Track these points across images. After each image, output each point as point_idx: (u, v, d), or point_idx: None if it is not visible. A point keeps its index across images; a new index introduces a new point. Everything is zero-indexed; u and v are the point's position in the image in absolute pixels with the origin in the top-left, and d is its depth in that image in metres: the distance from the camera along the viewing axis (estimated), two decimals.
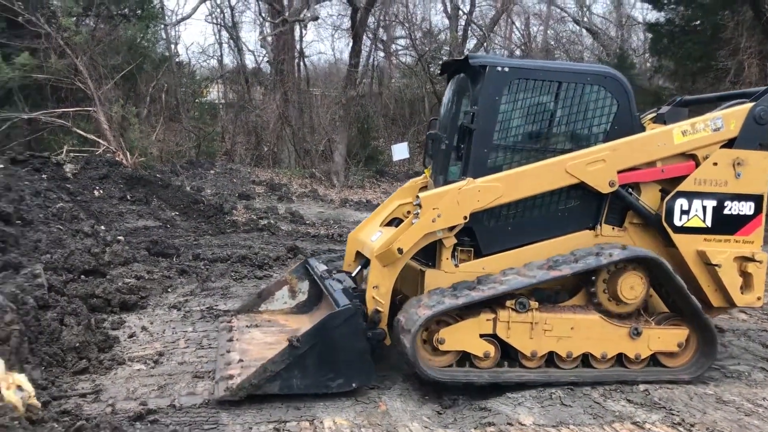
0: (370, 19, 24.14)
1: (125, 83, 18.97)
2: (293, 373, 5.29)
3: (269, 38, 24.68)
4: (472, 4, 28.50)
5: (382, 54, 29.59)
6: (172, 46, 24.79)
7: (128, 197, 13.86)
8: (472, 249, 6.18)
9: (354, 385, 5.47)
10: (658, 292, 6.34)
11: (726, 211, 6.22)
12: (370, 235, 6.73)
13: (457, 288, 5.84)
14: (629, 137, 6.13)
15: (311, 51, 42.95)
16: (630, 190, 6.18)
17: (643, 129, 6.39)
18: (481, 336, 5.82)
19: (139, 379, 5.71)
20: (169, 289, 8.59)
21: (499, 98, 6.08)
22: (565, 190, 6.16)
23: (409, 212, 6.80)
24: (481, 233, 6.15)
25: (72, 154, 15.17)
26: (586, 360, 6.05)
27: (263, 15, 24.09)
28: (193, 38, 63.78)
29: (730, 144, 6.21)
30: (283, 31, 22.02)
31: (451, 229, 5.91)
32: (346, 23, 26.61)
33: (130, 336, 6.75)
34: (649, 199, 6.25)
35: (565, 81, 6.18)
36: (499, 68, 6.10)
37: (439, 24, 30.92)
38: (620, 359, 6.08)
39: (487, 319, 5.81)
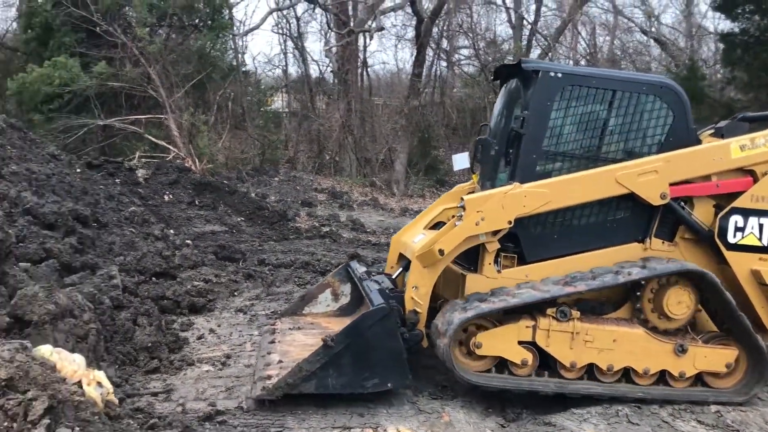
0: (434, 29, 24.22)
1: (194, 91, 19.53)
2: (328, 372, 5.27)
3: (333, 49, 25.03)
4: (537, 14, 28.27)
5: (444, 64, 29.61)
6: (240, 56, 25.44)
7: (196, 202, 14.25)
8: (516, 255, 6.05)
9: (389, 385, 5.44)
10: (707, 310, 6.11)
11: None
12: (413, 237, 6.70)
13: (495, 293, 5.75)
14: (684, 150, 5.93)
15: (374, 61, 43.27)
16: (682, 203, 5.97)
17: (699, 142, 6.16)
18: (520, 343, 5.70)
19: (208, 380, 5.86)
20: (235, 293, 8.79)
21: (550, 104, 5.98)
22: (615, 201, 5.99)
23: (453, 216, 6.66)
24: (526, 240, 6.01)
25: (144, 160, 15.72)
26: (627, 374, 5.85)
27: (330, 26, 24.42)
28: (260, 48, 65.21)
29: None
30: (348, 42, 22.28)
31: (495, 233, 5.78)
32: (410, 33, 26.78)
33: (199, 338, 6.93)
34: (702, 214, 6.01)
35: (619, 90, 6.04)
36: (552, 74, 6.01)
37: (502, 34, 30.68)
38: (663, 376, 5.85)
39: (527, 326, 5.69)
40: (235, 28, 23.97)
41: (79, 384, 3.99)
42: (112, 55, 17.02)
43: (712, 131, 6.56)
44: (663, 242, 6.09)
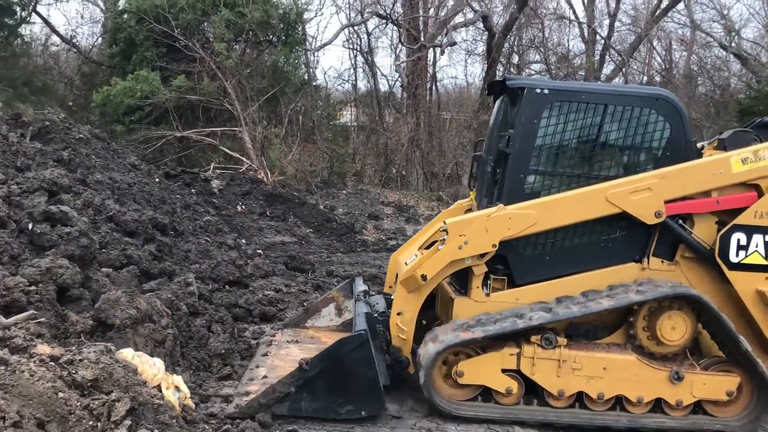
0: (505, 44, 24.11)
1: (267, 105, 20.00)
2: (302, 395, 5.21)
3: (403, 64, 25.21)
4: (611, 29, 27.73)
5: None
6: (311, 71, 25.89)
7: (267, 213, 14.56)
8: (506, 278, 5.84)
9: (363, 413, 5.31)
10: (711, 334, 5.75)
11: None
12: (408, 257, 6.49)
13: (477, 321, 5.53)
14: (680, 165, 5.61)
15: (443, 75, 43.35)
16: (680, 221, 5.65)
17: (699, 155, 5.84)
18: (504, 371, 5.49)
19: None
20: (304, 303, 8.91)
21: (537, 121, 5.76)
22: (609, 220, 5.70)
23: (438, 241, 6.48)
24: (515, 262, 5.79)
25: (218, 171, 16.19)
26: (620, 403, 5.57)
27: (401, 40, 24.62)
28: (331, 63, 66.16)
29: None
30: (419, 56, 22.42)
31: (481, 256, 5.61)
32: (480, 48, 26.70)
33: None
34: (703, 231, 5.67)
35: (611, 103, 5.78)
36: (538, 90, 5.79)
37: (575, 49, 30.21)
38: (660, 405, 5.56)
39: (511, 354, 5.48)
40: (308, 44, 24.44)
41: (159, 387, 4.13)
42: (191, 69, 17.63)
43: (716, 143, 6.21)
44: (663, 262, 5.78)
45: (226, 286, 8.53)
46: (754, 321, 5.63)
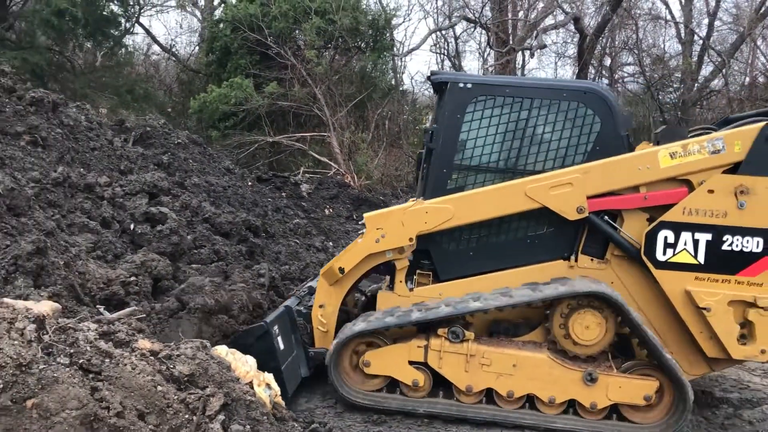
0: (597, 46, 23.46)
1: (355, 110, 20.26)
2: None
3: (491, 67, 24.96)
4: (710, 28, 26.50)
5: (606, 81, 28.56)
6: (398, 76, 26.05)
7: (354, 217, 14.73)
8: (431, 273, 5.72)
9: None
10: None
11: (725, 247, 5.20)
12: None
13: (386, 312, 5.50)
14: (604, 160, 5.34)
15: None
16: (606, 217, 5.37)
17: (631, 150, 5.55)
18: (412, 363, 5.37)
19: None
20: None
21: (461, 116, 5.64)
22: (535, 216, 5.50)
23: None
24: (439, 257, 5.69)
25: (307, 175, 16.53)
26: (532, 402, 5.32)
27: (489, 44, 24.42)
28: (417, 68, 66.32)
29: (733, 170, 5.19)
30: (508, 60, 22.17)
31: (401, 250, 5.52)
32: (571, 50, 26.11)
33: None
34: (633, 229, 5.39)
35: (537, 97, 5.62)
36: (461, 84, 5.67)
37: (670, 50, 29.06)
38: (575, 407, 5.29)
39: (419, 346, 5.38)
40: (395, 49, 24.60)
41: (251, 384, 4.24)
42: (282, 76, 18.08)
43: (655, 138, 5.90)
44: (592, 260, 5.55)
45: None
46: (683, 323, 5.33)
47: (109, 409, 3.28)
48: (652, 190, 5.39)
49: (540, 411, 5.37)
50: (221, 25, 19.67)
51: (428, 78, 6.12)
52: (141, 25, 24.55)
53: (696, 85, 23.92)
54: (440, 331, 5.40)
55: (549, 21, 23.71)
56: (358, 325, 5.50)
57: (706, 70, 26.08)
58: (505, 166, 5.73)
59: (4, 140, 6.95)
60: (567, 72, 31.45)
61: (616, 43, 27.05)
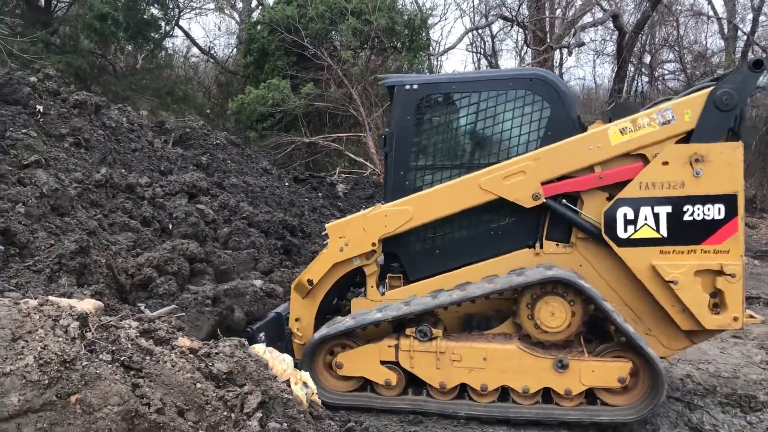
0: (636, 43, 23.09)
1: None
2: None
3: (529, 66, 24.75)
4: (755, 23, 25.86)
5: (646, 79, 28.10)
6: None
7: None
8: (401, 275, 5.68)
9: None
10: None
11: (686, 217, 5.07)
12: None
13: (353, 314, 5.49)
14: (554, 144, 5.25)
15: (570, 77, 42.21)
16: (565, 201, 5.28)
17: (584, 131, 5.42)
18: (383, 363, 5.34)
19: None
20: None
21: (410, 118, 5.60)
22: (494, 207, 5.44)
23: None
24: (406, 258, 5.67)
25: (343, 175, 16.59)
26: (507, 395, 5.22)
27: (527, 42, 24.22)
28: (453, 66, 66.18)
29: (686, 138, 5.05)
30: (545, 58, 21.96)
31: (368, 257, 5.53)
32: (609, 48, 25.75)
33: None
34: (593, 210, 5.27)
35: (483, 90, 5.57)
36: (408, 86, 5.62)
37: (713, 46, 28.48)
38: (550, 395, 5.17)
39: (389, 346, 5.33)
40: (431, 48, 24.56)
41: (288, 383, 4.27)
42: (319, 77, 18.19)
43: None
44: (558, 245, 5.46)
45: (351, 288, 8.70)
46: (655, 300, 5.19)
47: (149, 405, 3.33)
48: (607, 168, 5.30)
49: (516, 402, 5.32)
50: (259, 27, 19.87)
51: (378, 83, 6.23)
52: (180, 27, 24.98)
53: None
54: (408, 330, 5.39)
55: (587, 18, 23.44)
56: (320, 331, 5.55)
57: None
58: (460, 162, 5.72)
59: (48, 142, 7.13)
60: (606, 69, 31.03)
61: (656, 40, 26.62)
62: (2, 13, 16.04)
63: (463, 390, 5.40)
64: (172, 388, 3.51)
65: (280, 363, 4.35)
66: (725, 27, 27.02)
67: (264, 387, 3.93)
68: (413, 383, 5.52)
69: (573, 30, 22.31)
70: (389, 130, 5.80)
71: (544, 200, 5.34)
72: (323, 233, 5.88)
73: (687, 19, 26.91)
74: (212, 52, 27.31)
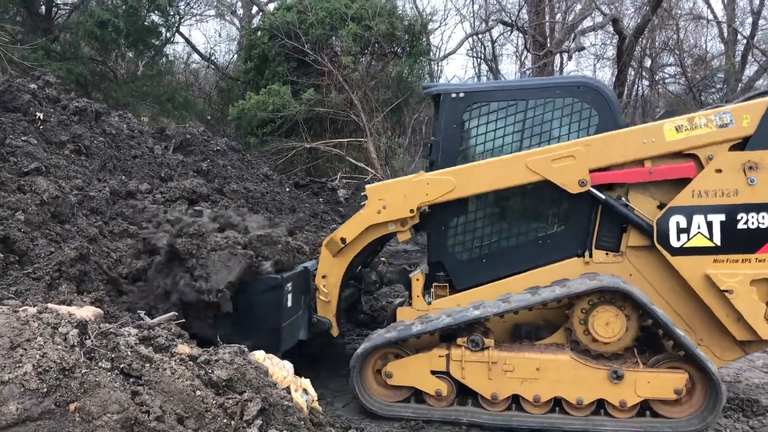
0: (636, 47, 23.10)
1: (392, 116, 20.30)
2: (218, 323, 5.40)
3: (528, 72, 24.76)
4: (754, 27, 25.86)
5: (647, 82, 28.10)
6: (435, 80, 26.01)
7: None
8: (448, 284, 5.69)
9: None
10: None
11: (740, 226, 5.03)
12: None
13: (405, 323, 5.48)
14: (608, 133, 5.25)
15: None
16: (620, 197, 5.28)
17: None
18: (434, 373, 5.30)
19: None
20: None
21: (457, 126, 5.62)
22: (546, 215, 5.50)
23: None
24: (453, 266, 5.67)
25: (344, 181, 16.58)
26: (560, 405, 5.18)
27: (527, 47, 24.25)
28: (454, 72, 66.24)
29: (742, 144, 5.01)
30: (545, 63, 21.98)
31: (403, 223, 5.53)
32: (610, 52, 25.75)
33: None
34: (645, 209, 5.30)
35: (531, 98, 5.57)
36: (454, 95, 5.63)
37: (713, 50, 28.47)
38: (605, 407, 5.15)
39: (440, 356, 5.31)
40: (432, 54, 24.59)
41: (288, 390, 4.25)
42: (320, 82, 18.20)
43: None
44: (607, 254, 5.42)
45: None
46: (710, 310, 5.17)
47: (149, 413, 3.32)
48: (658, 164, 5.29)
49: (569, 414, 5.27)
50: (259, 33, 19.89)
51: (422, 91, 6.18)
52: (181, 34, 24.99)
53: (740, 85, 23.35)
54: (459, 340, 5.36)
55: (587, 23, 23.47)
56: (364, 344, 5.56)
57: (751, 69, 25.48)
58: None
59: (49, 149, 7.13)
60: (606, 74, 31.07)
61: (657, 43, 26.62)
62: (3, 20, 16.08)
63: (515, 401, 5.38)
64: (172, 396, 3.50)
65: (281, 370, 4.34)
66: (725, 31, 27.04)
67: (264, 394, 3.91)
68: (461, 394, 5.51)
69: (573, 34, 22.34)
70: (435, 139, 5.80)
71: (590, 188, 5.32)
72: (362, 194, 5.87)
73: (687, 23, 26.93)
74: (213, 58, 27.37)
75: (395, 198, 5.55)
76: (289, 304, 5.61)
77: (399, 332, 5.41)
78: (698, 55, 27.27)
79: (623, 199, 5.38)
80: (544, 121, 5.64)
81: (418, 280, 5.75)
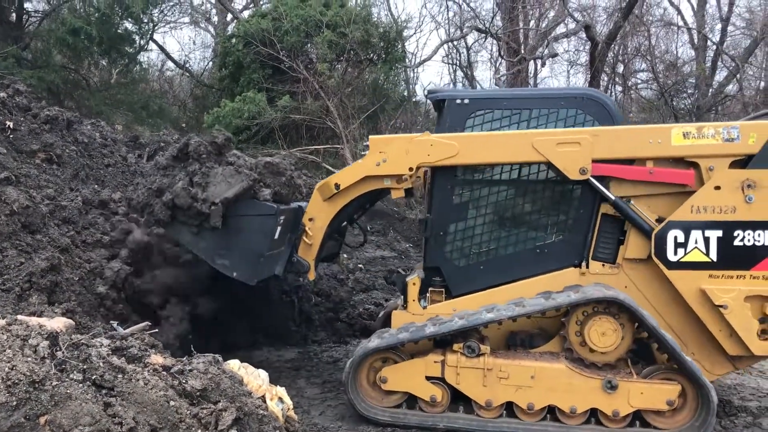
0: (609, 53, 23.38)
1: (368, 122, 20.32)
2: (199, 233, 5.51)
3: (502, 78, 24.95)
4: (723, 33, 26.32)
5: (620, 88, 28.45)
6: (411, 87, 26.10)
7: (368, 228, 14.71)
8: (444, 289, 5.73)
9: (234, 274, 5.51)
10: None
11: (737, 243, 5.15)
12: None
13: (403, 327, 5.50)
14: (617, 126, 5.36)
15: (545, 87, 42.66)
16: (632, 202, 5.38)
17: None
18: (429, 379, 5.34)
19: None
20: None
21: (461, 131, 5.63)
22: (544, 224, 5.56)
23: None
24: (450, 272, 5.70)
25: None
26: (553, 414, 5.25)
27: (501, 54, 24.44)
28: (430, 78, 66.52)
29: (745, 161, 5.15)
30: (519, 69, 22.17)
31: (399, 180, 5.55)
32: (583, 58, 26.04)
33: None
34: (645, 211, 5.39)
35: (535, 107, 5.62)
36: (459, 101, 5.69)
37: (683, 56, 28.91)
38: (597, 416, 5.23)
39: (435, 361, 5.35)
40: (407, 60, 24.66)
41: (263, 398, 4.24)
42: (295, 89, 18.17)
43: None
44: (603, 265, 5.50)
45: (327, 300, 8.68)
46: (703, 324, 5.28)
47: (122, 424, 3.29)
48: (659, 166, 5.36)
49: (562, 422, 5.31)
50: (234, 40, 19.82)
51: (426, 95, 6.19)
52: (155, 41, 24.79)
53: (711, 90, 23.75)
54: (456, 346, 5.38)
55: (560, 29, 23.73)
56: (373, 341, 5.51)
57: (721, 75, 25.92)
58: (509, 177, 5.71)
59: (19, 158, 7.04)
60: (579, 80, 31.39)
61: (629, 50, 26.96)
62: None
63: (508, 408, 5.40)
64: (145, 407, 3.48)
65: (256, 379, 4.32)
66: (695, 37, 27.49)
67: (239, 403, 3.90)
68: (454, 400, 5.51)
69: (546, 41, 22.56)
70: None
71: (590, 177, 5.37)
72: (365, 143, 5.83)
73: (658, 30, 27.36)
74: (187, 65, 27.21)
75: (397, 153, 5.55)
76: (276, 236, 5.60)
77: (412, 333, 5.41)
78: (669, 61, 27.66)
79: (632, 202, 5.46)
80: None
81: (414, 284, 5.77)
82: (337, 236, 6.37)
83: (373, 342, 5.49)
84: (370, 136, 5.81)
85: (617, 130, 5.42)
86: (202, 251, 5.72)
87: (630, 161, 5.39)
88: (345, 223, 6.56)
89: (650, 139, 5.32)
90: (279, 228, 5.59)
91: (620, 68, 27.02)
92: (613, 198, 5.41)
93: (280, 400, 4.42)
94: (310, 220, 5.88)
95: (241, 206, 5.56)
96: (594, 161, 5.35)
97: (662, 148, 5.32)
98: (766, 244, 5.17)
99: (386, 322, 6.61)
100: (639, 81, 29.26)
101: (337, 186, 5.67)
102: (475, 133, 5.60)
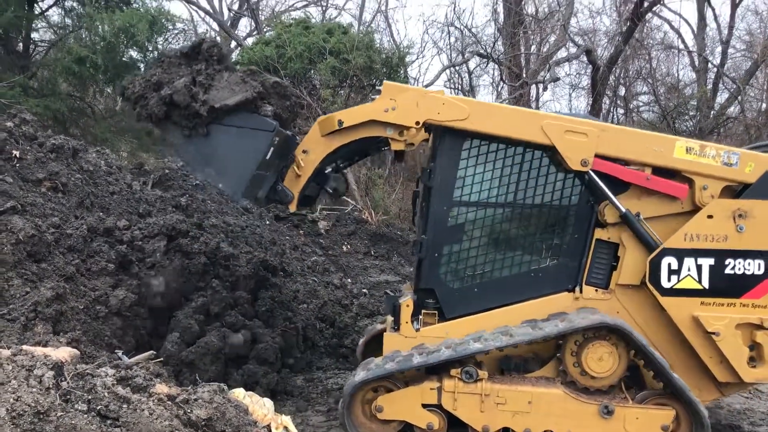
0: (610, 77, 23.53)
1: None
2: (193, 139, 5.34)
3: (505, 102, 25.08)
4: (724, 56, 26.48)
5: (621, 111, 28.57)
6: None
7: (372, 253, 14.72)
8: (437, 312, 5.68)
9: (220, 185, 5.41)
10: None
11: (728, 271, 5.21)
12: None
13: (390, 356, 5.43)
14: (626, 127, 5.45)
15: (547, 111, 42.80)
16: (633, 212, 5.36)
17: None
18: (425, 406, 5.29)
19: None
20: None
21: (457, 152, 5.60)
22: (539, 247, 5.56)
23: None
24: (443, 294, 5.66)
25: (325, 212, 16.58)
26: None
27: (503, 78, 24.59)
28: None
29: (739, 189, 5.25)
30: (521, 93, 22.29)
31: (402, 133, 5.46)
32: (585, 81, 26.22)
33: None
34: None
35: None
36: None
37: (685, 78, 29.08)
38: None
39: (431, 388, 5.30)
40: (410, 85, 24.80)
41: (269, 428, 4.22)
42: (299, 115, 18.30)
43: None
44: (597, 290, 5.51)
45: (332, 326, 8.66)
46: (694, 350, 5.31)
47: None
48: (657, 175, 5.40)
49: None
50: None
51: None
52: None
53: (712, 112, 23.84)
54: (453, 371, 5.34)
55: (561, 54, 23.89)
56: (359, 374, 5.44)
57: (722, 97, 26.06)
58: (504, 200, 5.71)
59: (25, 187, 7.07)
60: (581, 103, 31.55)
61: (630, 73, 27.16)
62: None
63: None
64: None
65: (261, 408, 4.30)
66: (696, 60, 27.67)
67: None
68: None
69: (548, 65, 22.70)
70: (433, 164, 5.74)
71: (590, 170, 5.37)
72: (378, 87, 5.69)
73: (659, 53, 27.57)
74: None
75: (407, 104, 5.45)
76: (268, 156, 5.46)
77: (399, 364, 5.36)
78: (671, 84, 27.84)
79: (640, 217, 5.47)
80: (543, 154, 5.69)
81: (408, 306, 5.70)
82: (320, 181, 6.22)
83: (359, 375, 5.43)
84: (385, 81, 5.70)
85: (625, 131, 5.54)
86: (190, 157, 5.57)
87: (631, 163, 5.45)
88: (329, 169, 6.34)
89: (655, 147, 5.38)
90: (271, 149, 5.43)
91: (622, 91, 27.24)
92: (623, 210, 5.41)
93: (286, 429, 4.39)
94: (304, 152, 5.73)
95: (240, 117, 5.41)
96: (597, 156, 5.38)
97: (664, 157, 5.37)
98: (755, 272, 5.27)
99: (367, 349, 6.66)
100: (641, 104, 29.46)
101: (340, 122, 5.53)
102: (487, 102, 5.68)
